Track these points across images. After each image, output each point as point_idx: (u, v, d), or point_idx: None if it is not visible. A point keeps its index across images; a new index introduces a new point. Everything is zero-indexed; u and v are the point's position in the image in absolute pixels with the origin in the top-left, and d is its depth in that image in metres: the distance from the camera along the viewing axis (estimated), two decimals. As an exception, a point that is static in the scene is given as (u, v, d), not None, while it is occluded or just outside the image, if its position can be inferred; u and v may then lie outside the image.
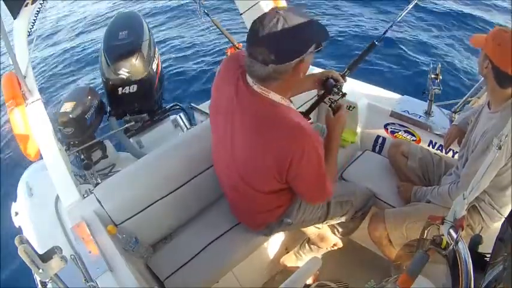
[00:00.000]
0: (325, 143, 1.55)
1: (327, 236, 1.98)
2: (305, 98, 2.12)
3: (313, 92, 2.09)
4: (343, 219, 1.85)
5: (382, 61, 5.18)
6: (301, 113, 1.81)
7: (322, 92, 1.78)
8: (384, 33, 2.00)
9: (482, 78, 1.97)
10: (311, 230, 1.99)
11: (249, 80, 1.34)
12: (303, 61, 1.25)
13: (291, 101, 1.45)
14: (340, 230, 1.95)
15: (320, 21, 1.31)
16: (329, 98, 1.71)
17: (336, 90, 1.70)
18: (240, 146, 1.46)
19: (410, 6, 2.00)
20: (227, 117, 1.45)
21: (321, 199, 1.65)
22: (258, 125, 1.36)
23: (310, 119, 1.93)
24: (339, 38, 5.61)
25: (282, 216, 1.71)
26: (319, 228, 1.96)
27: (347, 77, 1.87)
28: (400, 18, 2.01)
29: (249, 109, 1.36)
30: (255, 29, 1.20)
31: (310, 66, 2.31)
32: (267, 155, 1.37)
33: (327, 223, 1.87)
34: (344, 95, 1.69)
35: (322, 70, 1.86)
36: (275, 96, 1.33)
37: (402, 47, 5.41)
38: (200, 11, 2.44)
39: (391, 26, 2.01)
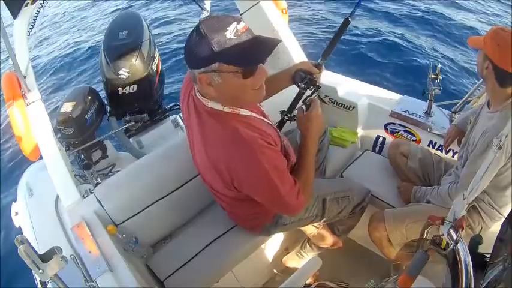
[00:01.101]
0: (299, 146, 1.48)
1: (326, 235, 1.98)
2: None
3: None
4: (341, 216, 1.84)
5: (382, 61, 5.19)
6: (282, 112, 1.74)
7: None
8: (356, 6, 1.72)
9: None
10: (310, 230, 1.99)
11: (195, 89, 1.34)
12: (207, 75, 1.18)
13: (259, 111, 1.42)
14: (339, 228, 1.95)
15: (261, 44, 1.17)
16: (310, 84, 1.54)
17: (303, 86, 1.54)
18: (198, 159, 1.46)
19: None
20: (190, 132, 1.47)
21: (288, 212, 1.53)
22: (203, 136, 1.34)
23: (293, 117, 1.66)
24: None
25: (276, 216, 1.71)
26: (317, 227, 1.96)
27: (344, 82, 1.77)
28: None
29: (196, 122, 1.35)
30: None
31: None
32: (214, 167, 1.34)
33: (325, 221, 1.87)
34: (317, 88, 1.54)
35: (295, 63, 1.73)
36: (215, 105, 1.29)
37: (402, 46, 5.41)
38: (205, 9, 2.43)
39: (359, 3, 1.79)
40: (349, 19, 1.68)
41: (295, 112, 1.54)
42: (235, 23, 1.14)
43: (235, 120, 1.29)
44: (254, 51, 1.16)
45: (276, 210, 1.55)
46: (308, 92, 1.59)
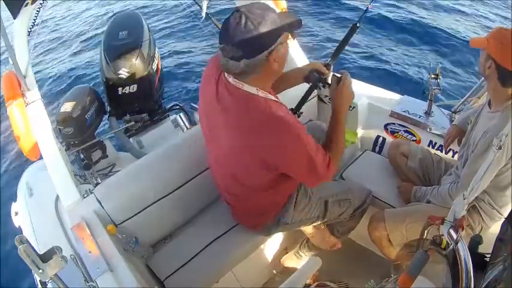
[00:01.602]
0: (330, 118, 1.58)
1: (326, 236, 1.98)
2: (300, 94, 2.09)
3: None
4: (342, 217, 1.84)
5: (382, 61, 5.19)
6: (291, 109, 1.83)
7: (310, 85, 1.79)
8: (365, 12, 1.91)
9: (482, 78, 1.97)
10: (310, 230, 1.99)
11: (226, 76, 1.38)
12: (275, 52, 1.27)
13: (276, 96, 1.46)
14: (339, 229, 1.95)
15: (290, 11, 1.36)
16: (323, 84, 1.70)
17: (321, 85, 1.71)
18: (225, 145, 1.46)
19: None
20: (212, 118, 1.47)
21: (320, 181, 1.57)
22: (237, 121, 1.37)
23: (300, 113, 1.89)
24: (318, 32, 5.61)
25: (277, 216, 1.71)
26: (317, 228, 1.96)
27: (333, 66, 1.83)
28: None
29: (229, 107, 1.38)
30: (223, 29, 1.27)
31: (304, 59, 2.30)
32: (250, 151, 1.39)
33: (325, 222, 1.87)
34: (329, 86, 1.65)
35: (307, 63, 1.86)
36: (250, 88, 1.34)
37: (402, 46, 5.41)
38: (204, 10, 2.43)
39: (367, 10, 1.91)
40: (358, 24, 1.84)
41: (329, 80, 1.65)
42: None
43: (271, 104, 1.35)
44: (295, 17, 1.34)
45: (309, 181, 1.58)
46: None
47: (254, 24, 1.21)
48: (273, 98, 1.40)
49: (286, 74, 1.65)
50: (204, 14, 2.44)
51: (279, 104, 1.41)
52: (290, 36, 1.34)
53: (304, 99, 1.91)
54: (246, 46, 1.24)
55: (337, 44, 1.91)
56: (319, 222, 1.84)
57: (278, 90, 1.63)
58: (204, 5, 2.40)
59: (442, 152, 2.12)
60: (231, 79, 1.35)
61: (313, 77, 1.68)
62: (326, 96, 2.37)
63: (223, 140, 1.46)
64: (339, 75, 1.56)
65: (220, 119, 1.42)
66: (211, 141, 1.57)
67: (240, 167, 1.50)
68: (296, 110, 1.87)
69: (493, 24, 5.69)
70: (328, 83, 1.65)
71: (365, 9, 1.91)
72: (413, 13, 6.12)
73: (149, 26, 3.07)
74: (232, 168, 1.54)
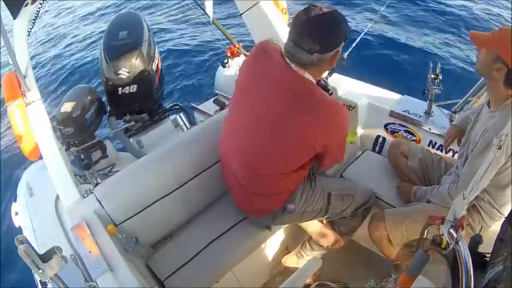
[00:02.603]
0: None
1: (328, 232, 1.98)
2: None
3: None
4: (344, 214, 1.85)
5: (382, 61, 5.18)
6: None
7: None
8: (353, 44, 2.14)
9: (482, 78, 1.97)
10: (312, 227, 1.99)
11: (288, 61, 1.46)
12: (338, 51, 1.43)
13: None
14: (341, 228, 1.95)
15: None
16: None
17: (330, 90, 1.84)
18: (271, 119, 1.51)
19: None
20: (263, 93, 1.52)
21: (339, 159, 1.73)
22: (297, 99, 1.46)
23: None
24: None
25: (285, 201, 1.72)
26: (320, 223, 1.96)
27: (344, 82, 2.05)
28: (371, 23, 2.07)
29: (292, 88, 1.46)
30: (302, 20, 1.37)
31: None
32: (303, 128, 1.47)
33: (328, 218, 1.87)
34: (331, 93, 1.85)
35: None
36: (309, 77, 1.46)
37: (402, 47, 5.41)
38: (210, 14, 2.43)
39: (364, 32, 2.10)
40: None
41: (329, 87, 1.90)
42: None
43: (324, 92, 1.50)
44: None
45: (334, 158, 1.69)
46: None
47: (335, 22, 1.37)
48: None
49: None
50: (211, 16, 2.43)
51: None
52: None
53: None
54: (326, 42, 1.37)
55: None
56: (322, 216, 1.84)
57: None
58: (209, 7, 2.38)
59: (442, 151, 2.12)
60: (293, 65, 1.44)
61: (322, 85, 1.83)
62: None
63: (270, 114, 1.51)
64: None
65: (279, 97, 1.48)
66: (243, 118, 1.62)
67: (277, 143, 1.53)
68: None
69: (495, 23, 5.68)
70: (328, 89, 1.85)
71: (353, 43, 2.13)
72: (414, 13, 6.12)
73: (149, 26, 3.07)
74: (267, 142, 1.56)
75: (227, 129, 1.75)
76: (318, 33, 1.36)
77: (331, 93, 1.86)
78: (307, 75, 1.45)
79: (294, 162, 1.59)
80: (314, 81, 1.48)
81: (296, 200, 1.73)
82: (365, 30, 2.12)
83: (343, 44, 1.43)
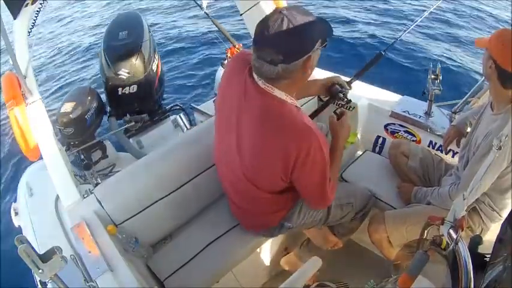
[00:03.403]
0: (329, 149, 1.54)
1: (327, 236, 1.98)
2: (302, 100, 2.10)
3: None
4: (343, 220, 1.84)
5: (382, 62, 5.18)
6: None
7: (328, 97, 1.82)
8: (392, 44, 2.04)
9: (483, 79, 1.98)
10: (311, 231, 1.99)
11: (255, 77, 1.34)
12: (310, 58, 1.26)
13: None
14: (340, 230, 1.95)
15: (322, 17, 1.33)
16: (337, 103, 1.77)
17: (342, 96, 1.74)
18: (246, 143, 1.45)
19: (419, 19, 2.02)
20: (234, 115, 1.44)
21: (321, 205, 1.64)
22: (265, 123, 1.35)
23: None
24: (349, 42, 5.62)
25: (282, 220, 1.71)
26: (319, 228, 1.96)
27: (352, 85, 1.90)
28: (408, 30, 2.03)
29: (257, 107, 1.35)
30: (261, 30, 1.22)
31: (321, 71, 2.33)
32: (273, 153, 1.38)
33: (327, 224, 1.87)
34: (349, 101, 1.76)
35: (328, 76, 1.87)
36: (280, 94, 1.32)
37: (402, 47, 5.41)
38: (204, 8, 2.43)
39: (399, 38, 2.02)
40: (383, 53, 1.96)
41: (348, 95, 1.75)
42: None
43: (299, 111, 1.36)
44: (329, 25, 1.32)
45: (314, 201, 1.59)
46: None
47: (298, 28, 1.18)
48: (298, 105, 1.40)
49: (308, 83, 1.64)
50: (204, 7, 2.43)
51: (303, 112, 1.42)
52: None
53: (321, 109, 1.93)
54: (288, 51, 1.21)
55: (362, 67, 2.00)
56: (321, 225, 1.84)
57: (298, 97, 1.62)
58: (204, 4, 2.39)
59: (442, 152, 2.12)
60: (261, 82, 1.32)
61: (336, 90, 1.76)
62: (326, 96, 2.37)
63: (245, 138, 1.44)
64: (338, 112, 1.63)
65: (247, 117, 1.40)
66: (226, 135, 1.53)
67: (256, 168, 1.49)
68: (311, 118, 1.86)
69: (496, 25, 5.69)
70: (347, 98, 1.76)
71: (393, 41, 2.01)
72: (414, 13, 6.12)
73: (149, 26, 3.08)
74: (248, 168, 1.51)
75: (215, 142, 1.68)
76: (279, 41, 1.20)
77: (349, 102, 1.76)
78: (277, 92, 1.31)
79: (276, 182, 1.49)
80: (286, 98, 1.34)
81: (294, 217, 1.71)
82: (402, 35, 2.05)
83: (318, 47, 1.27)
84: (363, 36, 5.83)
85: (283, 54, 1.20)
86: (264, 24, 1.21)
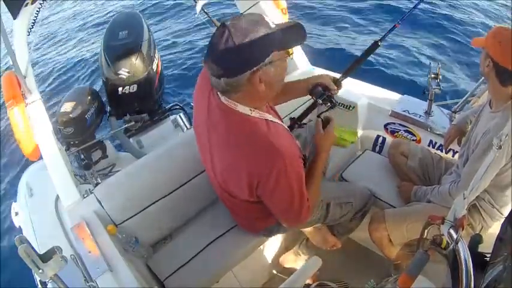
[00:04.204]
0: (311, 159, 1.51)
1: (326, 236, 1.98)
2: (296, 103, 2.04)
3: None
4: (342, 220, 1.84)
5: (382, 61, 5.18)
6: (292, 118, 1.78)
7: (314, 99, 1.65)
8: (385, 35, 1.77)
9: (482, 78, 1.97)
10: (310, 231, 1.99)
11: (219, 95, 1.30)
12: (261, 72, 1.16)
13: (275, 112, 1.42)
14: (339, 230, 1.95)
15: (291, 25, 1.23)
16: (320, 108, 1.58)
17: (324, 100, 1.55)
18: (216, 160, 1.43)
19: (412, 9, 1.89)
20: (204, 131, 1.41)
21: (293, 223, 1.57)
22: (228, 140, 1.32)
23: (304, 124, 1.82)
24: (338, 42, 5.62)
25: (278, 220, 1.70)
26: (318, 228, 1.96)
27: (344, 82, 1.70)
28: (407, 15, 1.86)
29: (220, 124, 1.31)
30: (209, 43, 1.18)
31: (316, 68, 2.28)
32: (238, 171, 1.33)
33: (326, 224, 1.87)
34: (333, 106, 1.56)
35: (316, 75, 1.74)
36: (243, 109, 1.26)
37: (402, 46, 5.41)
38: (198, 7, 2.42)
39: (393, 29, 1.83)
40: (379, 43, 1.71)
41: (305, 121, 1.60)
42: (264, 15, 1.18)
43: (266, 127, 1.28)
44: (299, 30, 1.22)
45: (284, 221, 1.54)
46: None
47: (234, 41, 1.10)
48: (269, 117, 1.32)
49: (290, 86, 1.60)
50: (198, 9, 2.41)
51: (276, 125, 1.34)
52: (288, 53, 1.23)
53: (307, 111, 1.80)
54: (225, 64, 1.15)
55: (352, 62, 1.77)
56: (320, 224, 1.84)
57: (278, 102, 1.59)
58: (199, 4, 2.38)
59: (442, 151, 2.12)
60: (223, 98, 1.27)
61: (317, 92, 1.57)
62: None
63: (215, 156, 1.42)
64: (323, 117, 1.52)
65: (212, 136, 1.37)
66: (203, 154, 1.52)
67: (232, 184, 1.47)
68: (298, 120, 1.78)
69: (495, 24, 5.69)
70: (332, 102, 1.55)
71: (390, 28, 1.77)
72: (414, 13, 6.12)
73: (149, 26, 3.07)
74: (224, 183, 1.50)
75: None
76: (219, 56, 1.14)
77: (332, 106, 1.56)
78: (241, 107, 1.25)
79: (255, 199, 1.44)
80: (252, 113, 1.27)
81: None
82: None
83: (272, 60, 1.16)
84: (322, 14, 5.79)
85: (223, 69, 1.16)
86: (211, 39, 1.17)
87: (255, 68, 1.15)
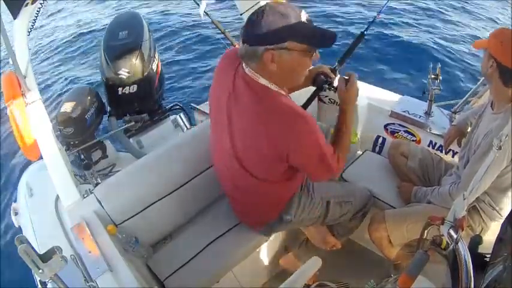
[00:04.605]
0: (338, 115, 1.59)
1: (326, 236, 1.98)
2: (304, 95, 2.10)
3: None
4: (342, 219, 1.85)
5: (382, 61, 5.19)
6: None
7: (315, 88, 1.80)
8: (371, 22, 1.98)
9: (482, 79, 1.98)
10: (310, 231, 1.99)
11: (244, 66, 1.40)
12: (275, 53, 1.28)
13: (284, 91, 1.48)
14: (339, 230, 1.95)
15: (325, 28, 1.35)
16: (329, 87, 1.71)
17: (328, 86, 1.71)
18: (238, 135, 1.47)
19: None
20: (225, 108, 1.47)
21: (327, 176, 1.61)
22: (254, 112, 1.39)
23: None
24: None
25: (281, 212, 1.72)
26: (318, 228, 1.96)
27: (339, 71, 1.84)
28: (385, 6, 2.00)
29: (244, 95, 1.40)
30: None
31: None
32: (265, 142, 1.40)
33: (326, 223, 1.87)
34: (335, 89, 1.69)
35: (312, 66, 1.81)
36: (264, 81, 1.37)
37: (402, 46, 5.41)
38: (202, 9, 2.42)
39: (379, 13, 1.98)
40: (364, 33, 1.92)
41: (335, 83, 1.69)
42: (304, 11, 1.30)
43: (284, 97, 1.40)
44: (325, 36, 1.33)
45: (320, 175, 1.59)
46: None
47: (263, 18, 1.25)
48: (284, 93, 1.43)
49: None
50: (201, 13, 2.43)
51: (292, 100, 1.45)
52: (313, 53, 1.33)
53: (309, 101, 1.93)
54: (250, 33, 1.29)
55: (343, 51, 1.96)
56: (320, 223, 1.84)
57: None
58: (203, 5, 2.39)
59: (442, 152, 2.12)
60: (247, 70, 1.38)
61: (320, 80, 1.71)
62: (326, 96, 2.38)
63: (236, 129, 1.47)
64: (346, 77, 1.60)
65: (236, 107, 1.44)
66: (221, 131, 1.55)
67: (253, 159, 1.51)
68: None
69: (495, 25, 5.69)
70: (334, 87, 1.69)
71: (372, 19, 1.94)
72: (414, 13, 6.13)
73: (149, 26, 3.07)
74: (244, 160, 1.52)
75: (210, 141, 1.73)
76: (249, 24, 1.30)
77: (336, 89, 1.67)
78: (262, 80, 1.37)
79: (272, 173, 1.53)
80: (271, 86, 1.38)
81: (293, 209, 1.71)
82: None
83: (286, 46, 1.27)
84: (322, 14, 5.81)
85: (246, 33, 1.31)
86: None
87: (269, 47, 1.27)
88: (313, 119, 1.40)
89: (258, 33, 1.26)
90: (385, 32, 5.75)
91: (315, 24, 1.32)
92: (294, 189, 1.70)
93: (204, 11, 2.50)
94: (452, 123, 1.99)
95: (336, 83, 1.68)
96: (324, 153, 1.45)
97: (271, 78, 1.37)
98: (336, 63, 1.89)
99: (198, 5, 2.60)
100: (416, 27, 5.83)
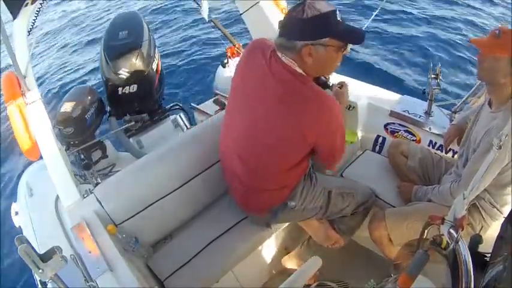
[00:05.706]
0: None
1: (328, 233, 1.98)
2: None
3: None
4: (344, 212, 1.85)
5: (382, 61, 5.19)
6: None
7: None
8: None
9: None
10: (311, 226, 1.99)
11: (280, 54, 1.48)
12: (312, 48, 1.39)
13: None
14: (341, 227, 1.95)
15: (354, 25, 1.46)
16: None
17: (328, 84, 1.83)
18: (265, 116, 1.53)
19: None
20: (257, 89, 1.54)
21: (337, 161, 1.73)
22: (288, 94, 1.48)
23: None
24: None
25: (286, 198, 1.73)
26: (320, 222, 1.96)
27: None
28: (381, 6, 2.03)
29: (280, 81, 1.48)
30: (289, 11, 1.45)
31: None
32: (295, 123, 1.48)
33: (328, 217, 1.88)
34: (331, 89, 1.84)
35: None
36: (298, 69, 1.46)
37: (402, 46, 5.41)
38: (205, 12, 2.43)
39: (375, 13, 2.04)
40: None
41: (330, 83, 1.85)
42: (337, 10, 1.41)
43: (316, 85, 1.51)
44: (359, 34, 1.46)
45: (331, 159, 1.69)
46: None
47: (304, 15, 1.35)
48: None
49: None
50: (206, 16, 2.43)
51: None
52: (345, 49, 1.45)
53: None
54: (287, 27, 1.44)
55: None
56: (322, 214, 1.84)
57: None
58: (205, 6, 2.39)
59: (442, 151, 2.12)
60: (284, 57, 1.46)
61: (322, 80, 1.81)
62: None
63: (262, 112, 1.54)
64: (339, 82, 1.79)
65: (271, 91, 1.50)
66: (241, 112, 1.63)
67: (276, 141, 1.56)
68: None
69: (494, 23, 5.68)
70: (329, 86, 1.83)
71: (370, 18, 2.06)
72: (414, 13, 6.13)
73: (149, 26, 3.07)
74: (265, 141, 1.58)
75: (224, 128, 1.77)
76: (287, 19, 1.44)
77: (331, 88, 1.84)
78: (298, 68, 1.47)
79: (290, 155, 1.61)
80: (304, 74, 1.48)
81: (297, 196, 1.74)
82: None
83: (324, 42, 1.39)
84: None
85: (283, 28, 1.45)
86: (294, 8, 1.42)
87: (308, 42, 1.38)
88: (340, 107, 1.56)
89: (297, 28, 1.39)
90: (385, 31, 5.75)
91: None
92: (299, 177, 1.73)
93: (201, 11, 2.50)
94: (452, 123, 2.00)
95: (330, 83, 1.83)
96: (342, 139, 1.60)
97: (305, 69, 1.47)
98: None
99: (198, 5, 2.61)
100: (416, 27, 5.82)
